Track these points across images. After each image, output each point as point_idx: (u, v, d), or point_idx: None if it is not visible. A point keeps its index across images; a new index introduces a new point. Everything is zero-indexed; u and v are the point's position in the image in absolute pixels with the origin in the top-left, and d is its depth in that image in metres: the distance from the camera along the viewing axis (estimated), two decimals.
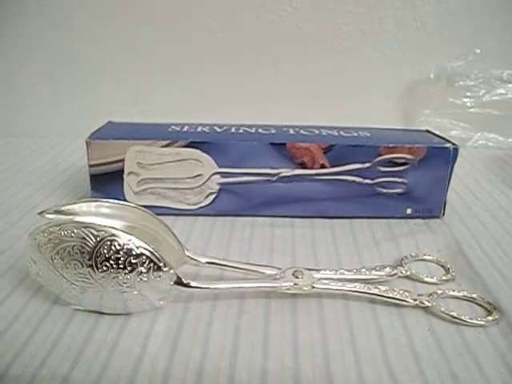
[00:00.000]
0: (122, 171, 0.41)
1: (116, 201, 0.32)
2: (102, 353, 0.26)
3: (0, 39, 0.62)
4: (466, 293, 0.31)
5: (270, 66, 0.63)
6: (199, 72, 0.63)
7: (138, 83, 0.64)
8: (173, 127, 0.43)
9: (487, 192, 0.49)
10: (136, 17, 0.61)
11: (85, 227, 0.27)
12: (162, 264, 0.27)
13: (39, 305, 0.30)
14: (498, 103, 0.61)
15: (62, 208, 0.31)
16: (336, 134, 0.43)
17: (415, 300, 0.30)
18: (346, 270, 0.33)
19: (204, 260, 0.32)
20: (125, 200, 0.41)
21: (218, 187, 0.41)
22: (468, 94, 0.62)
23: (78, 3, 0.60)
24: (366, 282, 0.32)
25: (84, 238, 0.27)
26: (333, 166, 0.40)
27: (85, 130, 0.42)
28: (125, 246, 0.27)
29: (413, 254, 0.36)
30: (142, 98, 0.64)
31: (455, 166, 0.41)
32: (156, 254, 0.27)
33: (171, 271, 0.28)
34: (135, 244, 0.27)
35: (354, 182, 0.41)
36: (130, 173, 0.41)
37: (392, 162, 0.40)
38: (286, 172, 0.40)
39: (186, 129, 0.43)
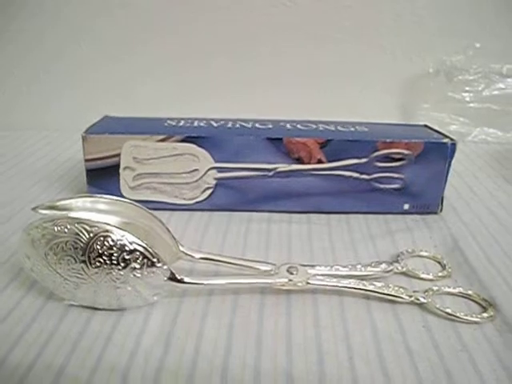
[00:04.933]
0: (118, 166, 0.40)
1: (111, 196, 0.32)
2: (95, 348, 0.26)
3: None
4: (461, 289, 0.31)
5: (267, 60, 0.62)
6: (194, 65, 0.63)
7: (133, 76, 0.64)
8: (169, 122, 0.43)
9: (486, 188, 0.48)
10: (130, 9, 0.60)
11: (78, 223, 0.27)
12: (155, 260, 0.27)
13: (33, 300, 0.30)
14: (497, 98, 0.61)
15: (57, 203, 0.31)
16: (333, 128, 0.43)
17: (410, 296, 0.30)
18: (341, 266, 0.32)
19: (198, 255, 0.32)
20: (121, 195, 0.41)
21: (214, 182, 0.41)
22: (467, 88, 0.61)
23: None
24: (361, 278, 0.32)
25: (77, 234, 0.27)
26: (330, 161, 0.40)
27: (81, 124, 0.42)
28: (118, 242, 0.27)
29: (409, 250, 0.36)
30: (138, 92, 0.64)
31: (453, 161, 0.40)
32: (149, 249, 0.27)
33: (165, 267, 0.28)
34: (128, 240, 0.27)
35: (350, 177, 0.40)
36: (125, 167, 0.41)
37: (389, 158, 0.40)
38: (282, 167, 0.40)
39: (182, 123, 0.43)
